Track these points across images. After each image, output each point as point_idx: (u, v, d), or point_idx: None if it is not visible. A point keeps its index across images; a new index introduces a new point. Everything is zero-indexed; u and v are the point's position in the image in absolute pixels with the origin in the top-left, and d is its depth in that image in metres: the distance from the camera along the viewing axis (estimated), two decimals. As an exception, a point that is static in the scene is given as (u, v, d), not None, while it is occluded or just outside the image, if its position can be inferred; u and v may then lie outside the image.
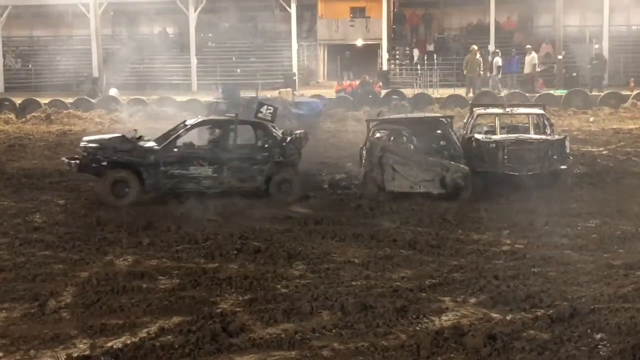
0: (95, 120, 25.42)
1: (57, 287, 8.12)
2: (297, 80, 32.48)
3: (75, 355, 6.31)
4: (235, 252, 9.50)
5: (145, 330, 6.87)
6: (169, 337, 6.69)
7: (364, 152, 13.26)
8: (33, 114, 26.41)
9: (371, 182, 12.67)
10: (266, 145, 12.96)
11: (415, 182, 12.51)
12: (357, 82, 28.85)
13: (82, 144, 13.10)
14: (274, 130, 13.29)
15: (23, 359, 6.28)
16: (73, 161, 13.00)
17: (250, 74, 33.40)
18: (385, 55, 34.02)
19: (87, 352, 6.38)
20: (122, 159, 12.66)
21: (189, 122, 13.49)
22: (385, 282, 8.21)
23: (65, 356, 6.28)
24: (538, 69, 29.11)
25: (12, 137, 22.02)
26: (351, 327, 6.88)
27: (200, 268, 8.83)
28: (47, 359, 6.28)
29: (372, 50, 36.22)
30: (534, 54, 29.06)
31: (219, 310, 7.38)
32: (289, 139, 13.12)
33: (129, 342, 6.58)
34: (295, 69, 33.74)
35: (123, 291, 7.98)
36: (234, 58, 35.86)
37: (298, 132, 13.48)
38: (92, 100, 28.77)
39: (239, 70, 34.60)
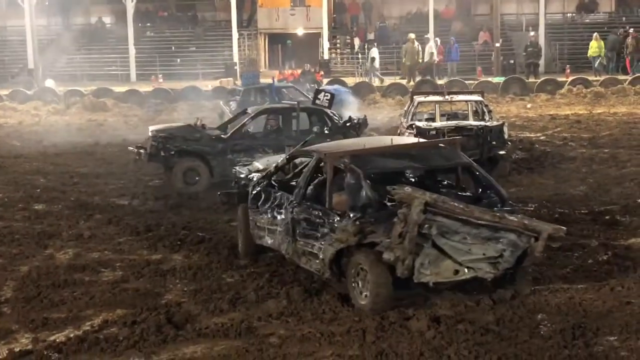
0: (31, 113, 24.90)
1: (-5, 283, 7.95)
2: (238, 69, 32.30)
3: (18, 350, 6.18)
4: (178, 242, 9.42)
5: (89, 323, 6.77)
6: (113, 329, 6.61)
7: (290, 214, 7.85)
8: (-34, 106, 25.78)
9: (381, 271, 6.86)
10: (327, 132, 13.08)
11: (465, 263, 6.90)
12: (299, 71, 28.87)
13: (151, 133, 13.03)
14: (334, 116, 13.56)
15: (-38, 356, 6.13)
16: (142, 150, 12.90)
17: (191, 63, 33.09)
18: (326, 44, 34.10)
19: (29, 347, 6.25)
20: (191, 148, 12.75)
21: (251, 110, 13.71)
22: (330, 269, 8.22)
23: (7, 351, 6.15)
24: (435, 59, 29.65)
25: (-56, 130, 21.42)
26: (297, 315, 6.89)
27: (144, 260, 8.74)
28: (-12, 355, 6.15)
29: (313, 39, 36.25)
30: (431, 43, 29.61)
31: (163, 302, 7.32)
32: (348, 124, 13.35)
33: (72, 335, 6.47)
34: (236, 59, 33.55)
35: (65, 284, 7.85)
36: (173, 48, 35.50)
37: (357, 117, 13.61)
38: (28, 92, 28.19)
39: (178, 60, 34.25)
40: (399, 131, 14.86)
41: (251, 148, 12.77)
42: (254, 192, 8.57)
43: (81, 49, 35.61)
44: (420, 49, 29.65)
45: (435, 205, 6.67)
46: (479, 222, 6.80)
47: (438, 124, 13.72)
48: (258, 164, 9.55)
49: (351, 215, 7.09)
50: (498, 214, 6.92)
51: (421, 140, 9.33)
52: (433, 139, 13.07)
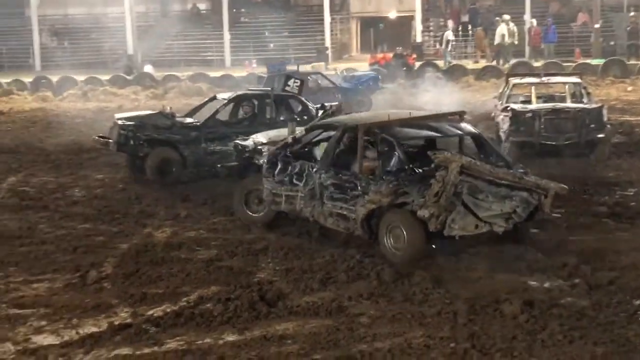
0: (130, 97, 25.64)
1: (97, 259, 8.24)
2: (330, 54, 32.38)
3: (117, 323, 6.41)
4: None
5: (185, 299, 6.95)
6: (208, 305, 6.77)
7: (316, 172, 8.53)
8: (70, 91, 26.77)
9: (416, 227, 7.62)
10: (305, 118, 12.86)
11: (485, 218, 7.56)
12: (391, 54, 28.71)
13: (120, 121, 12.48)
14: (308, 103, 13.23)
15: (66, 327, 6.39)
16: (110, 140, 12.48)
17: (283, 48, 33.37)
18: (419, 26, 33.77)
19: (128, 320, 6.47)
20: (164, 137, 12.21)
21: (221, 96, 13.29)
22: (421, 251, 8.20)
23: (107, 324, 6.39)
24: (508, 41, 28.92)
25: (49, 114, 22.29)
26: (387, 295, 6.90)
27: (237, 239, 8.90)
28: (90, 327, 6.38)
29: (405, 22, 35.96)
30: (503, 26, 28.90)
31: (256, 280, 7.44)
32: (321, 112, 12.94)
33: (169, 310, 6.67)
34: (328, 43, 33.62)
35: (162, 261, 8.09)
36: (266, 33, 35.84)
37: (331, 104, 13.37)
38: (128, 77, 29.04)
39: (272, 45, 34.59)
40: (493, 114, 14.62)
41: (225, 136, 12.04)
42: (270, 162, 9.12)
43: (178, 35, 36.40)
44: (515, 30, 29.04)
45: (469, 167, 7.52)
46: (502, 182, 7.62)
47: (534, 106, 13.40)
48: (260, 138, 10.05)
49: (385, 178, 7.89)
50: (517, 175, 7.77)
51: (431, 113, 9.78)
52: (529, 122, 12.84)
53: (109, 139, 12.47)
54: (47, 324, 6.47)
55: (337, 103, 13.58)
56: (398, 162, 8.17)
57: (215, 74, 28.91)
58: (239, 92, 13.56)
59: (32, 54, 35.67)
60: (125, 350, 5.92)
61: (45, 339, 6.17)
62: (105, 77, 28.68)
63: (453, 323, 6.25)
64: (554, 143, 12.78)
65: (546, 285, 6.95)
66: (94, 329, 6.33)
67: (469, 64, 28.94)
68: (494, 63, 28.41)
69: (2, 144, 16.71)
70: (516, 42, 29.36)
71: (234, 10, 36.59)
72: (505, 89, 14.57)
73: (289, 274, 7.56)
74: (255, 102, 12.98)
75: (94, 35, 36.16)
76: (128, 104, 24.37)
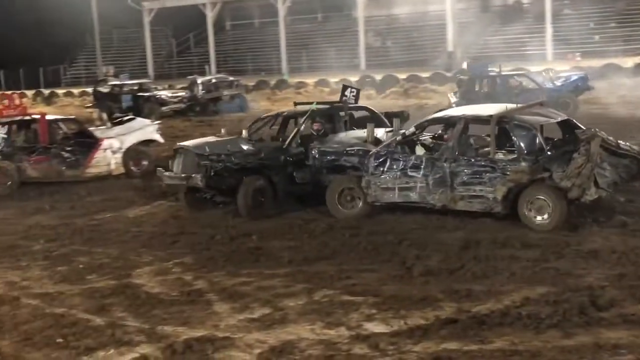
0: (449, 94, 25.86)
1: (422, 252, 8.43)
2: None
3: (443, 317, 6.50)
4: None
5: (510, 298, 6.85)
6: (534, 307, 6.60)
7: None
8: (392, 89, 27.83)
9: (560, 197, 8.89)
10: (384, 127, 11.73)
11: (601, 185, 8.85)
12: None
13: (196, 151, 11.02)
14: (377, 112, 12.45)
15: (395, 317, 6.60)
16: (187, 175, 10.84)
17: (610, 40, 31.58)
18: None
19: (454, 316, 6.52)
20: (255, 164, 10.95)
21: (291, 112, 12.43)
22: None
23: (434, 317, 6.49)
24: None
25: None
26: None
27: (563, 240, 8.58)
28: (417, 319, 6.53)
29: None
30: None
31: (585, 284, 7.12)
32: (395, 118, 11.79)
33: (494, 308, 6.61)
34: (661, 32, 31.22)
35: (486, 259, 8.05)
36: (591, 24, 34.18)
37: (394, 111, 12.76)
38: (447, 74, 29.40)
39: (597, 37, 32.92)
40: None
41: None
42: (377, 160, 9.92)
43: (497, 29, 36.11)
44: None
45: (605, 141, 8.80)
46: (619, 151, 8.95)
47: None
48: (341, 140, 10.82)
49: (525, 158, 9.03)
50: (627, 144, 9.19)
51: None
52: None
53: (178, 172, 11.14)
54: (377, 312, 6.75)
55: (403, 110, 13.39)
56: (535, 144, 9.17)
57: (535, 68, 28.19)
58: (313, 107, 12.04)
59: (358, 54, 37.57)
60: (452, 345, 5.96)
61: (375, 327, 6.43)
62: (425, 75, 29.33)
63: None
64: None
65: None
66: (422, 321, 6.46)
67: None
68: None
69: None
70: None
71: (557, 2, 35.40)
72: None
73: (623, 280, 7.14)
74: (328, 117, 11.89)
75: (415, 33, 37.15)
76: (446, 101, 24.64)
